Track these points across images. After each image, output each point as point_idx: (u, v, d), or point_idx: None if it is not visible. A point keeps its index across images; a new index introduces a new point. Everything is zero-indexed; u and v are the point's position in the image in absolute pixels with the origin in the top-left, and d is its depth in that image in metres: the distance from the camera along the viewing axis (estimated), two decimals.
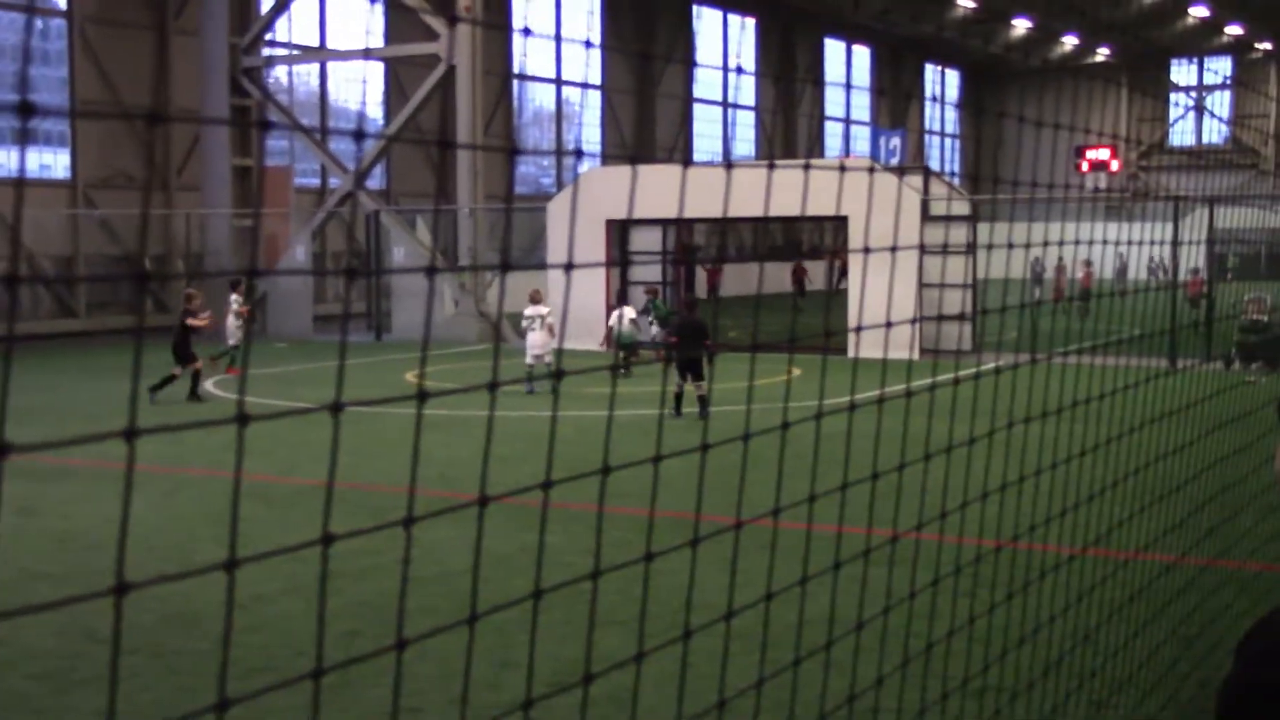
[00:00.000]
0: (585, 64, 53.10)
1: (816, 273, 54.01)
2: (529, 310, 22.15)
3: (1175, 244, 23.47)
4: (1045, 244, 5.24)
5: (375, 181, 40.90)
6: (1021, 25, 68.37)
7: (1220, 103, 78.19)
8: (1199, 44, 72.14)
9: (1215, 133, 77.03)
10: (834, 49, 68.28)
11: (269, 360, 27.48)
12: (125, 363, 27.59)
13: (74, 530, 11.86)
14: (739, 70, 60.38)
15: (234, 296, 25.25)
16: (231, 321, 24.88)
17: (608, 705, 6.97)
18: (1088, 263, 38.68)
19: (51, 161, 36.30)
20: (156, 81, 36.96)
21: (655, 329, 27.61)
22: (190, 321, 21.49)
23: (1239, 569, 8.18)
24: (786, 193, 24.38)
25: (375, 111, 45.34)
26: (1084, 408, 4.96)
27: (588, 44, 53.32)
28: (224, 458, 15.49)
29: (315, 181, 42.53)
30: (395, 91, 43.83)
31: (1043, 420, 4.66)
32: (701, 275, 44.14)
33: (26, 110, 1.38)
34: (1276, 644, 2.19)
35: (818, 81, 66.12)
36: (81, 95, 36.03)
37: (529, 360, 21.73)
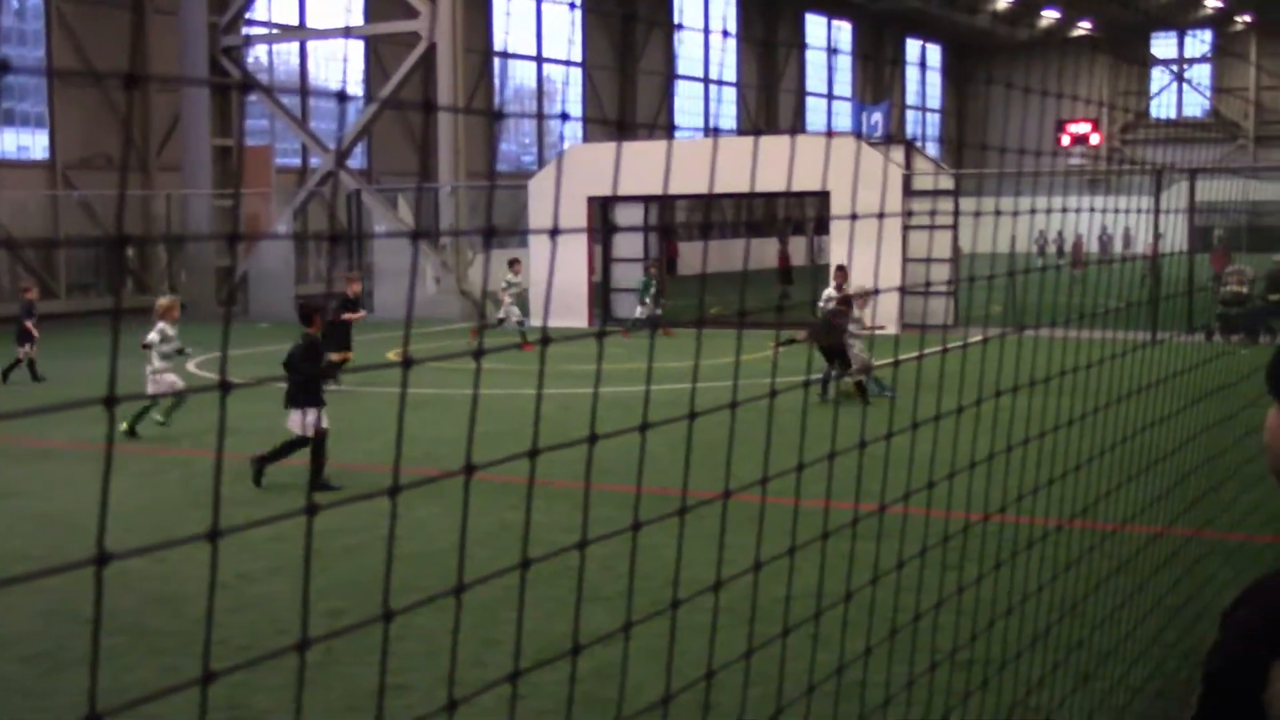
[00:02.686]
0: (569, 38, 52.90)
1: (797, 249, 53.80)
2: None
3: (1157, 214, 23.52)
4: (1033, 212, 5.23)
5: (356, 161, 40.79)
6: None
7: (1201, 76, 78.27)
8: (1180, 16, 72.15)
9: (1196, 106, 77.11)
10: (815, 24, 68.11)
11: (252, 340, 27.37)
12: (107, 343, 27.33)
13: (56, 512, 11.81)
14: (724, 34, 60.18)
15: (509, 276, 25.12)
16: (506, 300, 24.94)
17: (595, 680, 6.97)
18: (1158, 236, 38.51)
19: (30, 143, 36.08)
20: (133, 53, 36.72)
21: (641, 310, 27.15)
22: (347, 316, 20.55)
23: (1222, 540, 8.21)
24: (770, 168, 24.41)
25: (356, 90, 45.12)
26: (1068, 380, 4.96)
27: (572, 5, 52.98)
28: (210, 439, 15.44)
29: (296, 161, 42.36)
30: (376, 70, 43.65)
31: (1030, 391, 4.65)
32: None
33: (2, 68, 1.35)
34: (1259, 615, 2.24)
35: (801, 45, 65.88)
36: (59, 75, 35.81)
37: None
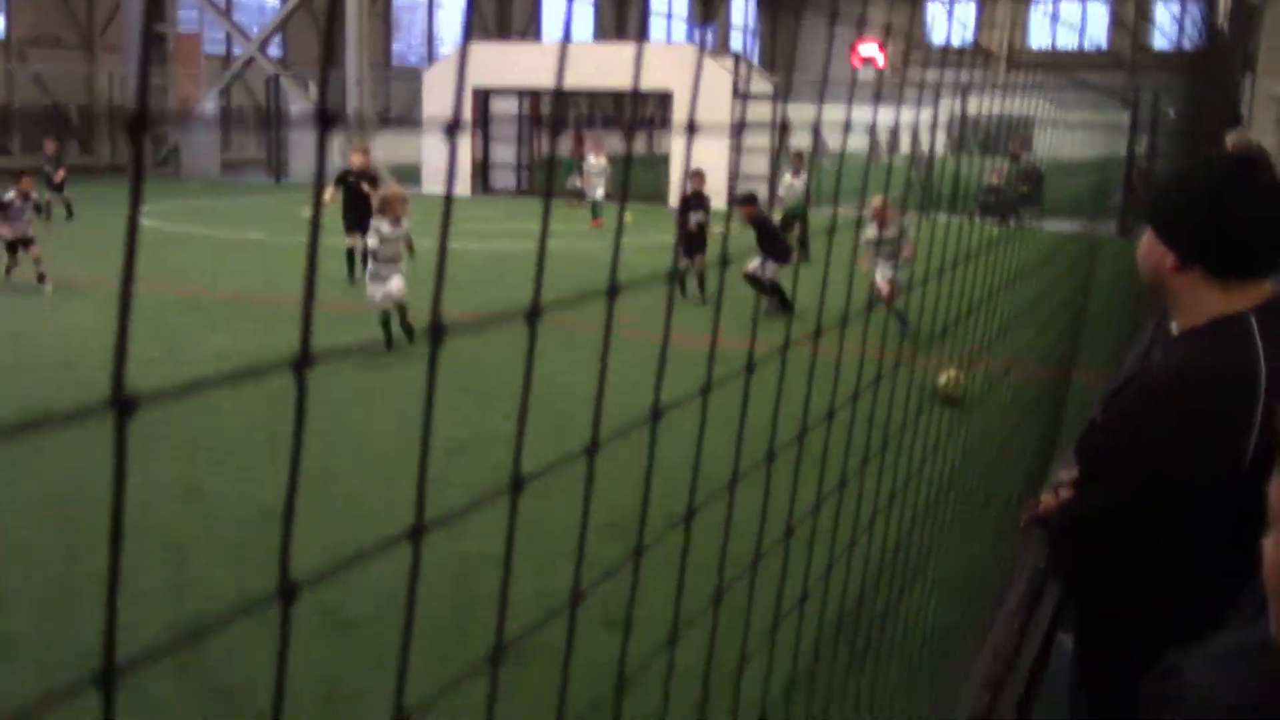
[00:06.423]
0: None
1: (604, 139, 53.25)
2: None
3: (934, 123, 23.76)
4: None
5: (274, 50, 39.05)
6: None
7: (968, 11, 78.96)
8: None
9: (960, 38, 77.96)
10: None
11: (186, 195, 26.44)
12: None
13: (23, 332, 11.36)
14: None
15: (593, 159, 23.76)
16: (593, 175, 23.43)
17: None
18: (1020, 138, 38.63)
19: None
20: None
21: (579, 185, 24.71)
22: (365, 188, 14.30)
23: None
24: (622, 70, 23.63)
25: None
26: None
27: None
28: (153, 272, 14.90)
29: (222, 49, 40.33)
30: None
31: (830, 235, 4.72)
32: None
33: None
34: (1133, 411, 2.20)
35: None
36: None
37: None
